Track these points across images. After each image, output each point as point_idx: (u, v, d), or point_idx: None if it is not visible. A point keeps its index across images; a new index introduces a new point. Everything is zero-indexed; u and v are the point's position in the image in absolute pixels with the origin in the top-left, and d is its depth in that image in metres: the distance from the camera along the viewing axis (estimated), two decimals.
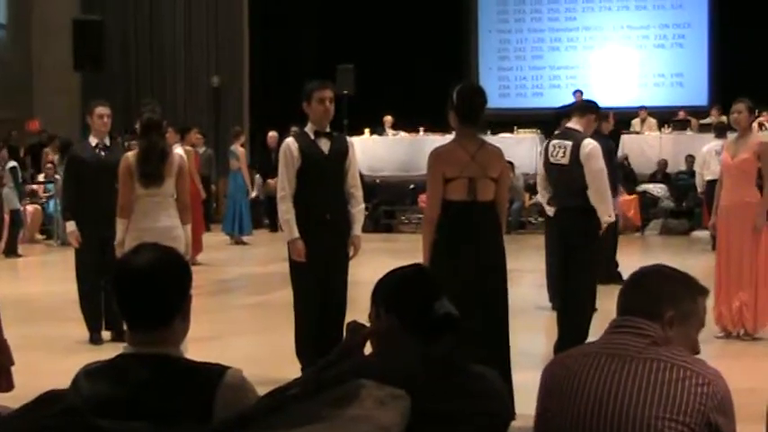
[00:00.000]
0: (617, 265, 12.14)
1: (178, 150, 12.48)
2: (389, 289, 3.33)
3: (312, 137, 8.05)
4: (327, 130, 8.11)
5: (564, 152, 8.66)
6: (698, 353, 3.34)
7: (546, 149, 9.02)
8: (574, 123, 8.87)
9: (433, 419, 3.02)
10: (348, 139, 8.55)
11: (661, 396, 3.11)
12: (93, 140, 10.31)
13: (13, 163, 19.55)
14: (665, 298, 3.28)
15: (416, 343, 3.20)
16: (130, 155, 8.94)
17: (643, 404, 3.12)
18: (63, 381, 3.19)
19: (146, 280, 3.10)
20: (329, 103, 8.03)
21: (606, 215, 8.49)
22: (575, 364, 3.29)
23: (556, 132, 9.58)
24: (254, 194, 21.05)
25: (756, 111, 10.69)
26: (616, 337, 3.29)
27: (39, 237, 20.84)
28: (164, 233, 8.37)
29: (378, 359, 3.23)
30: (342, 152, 8.12)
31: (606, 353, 3.26)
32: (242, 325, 11.64)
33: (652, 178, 22.59)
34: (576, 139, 8.65)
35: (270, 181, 19.75)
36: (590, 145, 8.59)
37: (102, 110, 10.31)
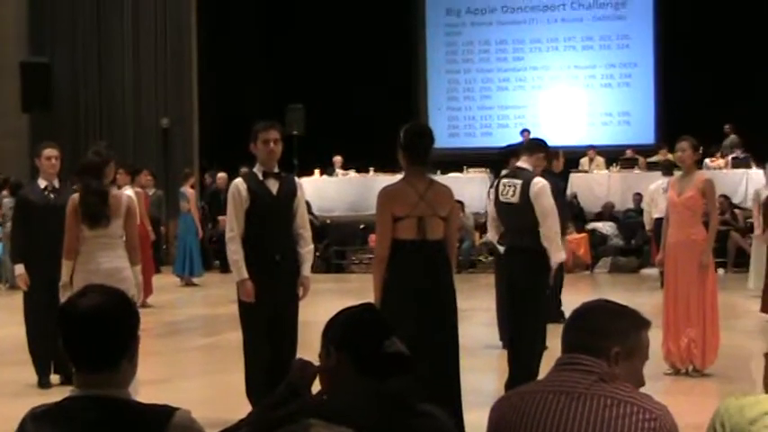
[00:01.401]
0: (560, 304, 12.10)
1: (128, 192, 12.43)
2: (339, 328, 3.34)
3: (261, 177, 8.05)
4: (276, 170, 8.11)
5: (514, 191, 8.69)
6: (643, 385, 3.37)
7: (496, 188, 9.06)
8: (523, 162, 8.91)
9: None
10: (296, 179, 8.55)
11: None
12: (42, 183, 10.25)
13: None
14: (609, 335, 3.30)
15: (367, 382, 3.20)
16: (77, 196, 8.89)
17: None
18: (10, 426, 3.16)
19: (91, 322, 3.08)
20: (274, 144, 8.04)
21: (557, 253, 8.52)
22: (522, 403, 3.30)
23: (504, 172, 9.63)
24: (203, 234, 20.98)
25: (701, 148, 10.79)
26: (563, 375, 3.30)
27: None
28: (111, 274, 8.33)
29: (328, 398, 3.23)
30: (290, 193, 8.12)
31: (554, 390, 3.27)
32: (192, 367, 11.58)
33: (599, 216, 22.73)
34: (526, 177, 8.69)
35: (221, 218, 19.68)
36: (539, 183, 8.63)
37: (50, 152, 10.25)
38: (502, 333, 11.33)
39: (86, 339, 3.09)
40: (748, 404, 3.29)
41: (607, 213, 22.73)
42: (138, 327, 3.20)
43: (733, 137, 24.33)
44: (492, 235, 9.62)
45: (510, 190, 8.73)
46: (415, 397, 3.27)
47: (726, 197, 20.53)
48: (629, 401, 3.17)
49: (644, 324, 3.39)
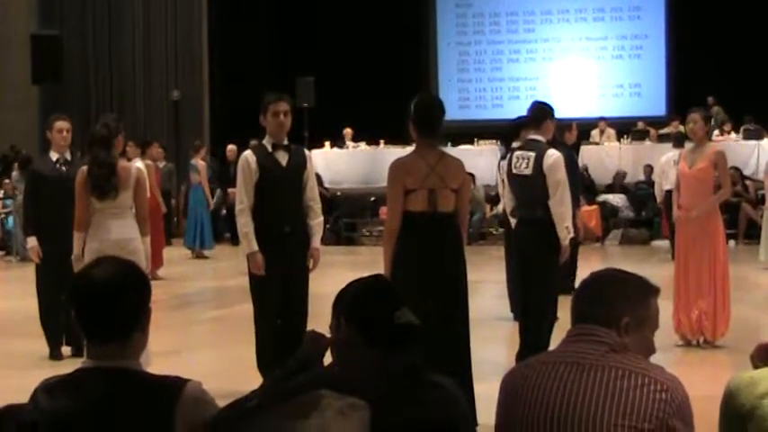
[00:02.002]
0: (574, 276, 12.07)
1: (138, 164, 12.44)
2: (350, 299, 3.34)
3: (270, 150, 8.05)
4: (285, 142, 8.11)
5: (527, 163, 8.66)
6: (654, 353, 3.37)
7: (509, 160, 9.03)
8: (534, 134, 8.88)
9: (394, 429, 3.03)
10: (306, 151, 8.53)
11: (620, 403, 3.13)
12: (53, 155, 10.26)
13: None
14: (619, 304, 3.30)
15: (377, 353, 3.20)
16: (85, 168, 8.90)
17: (602, 412, 3.13)
18: (23, 397, 3.17)
19: (104, 293, 3.09)
20: (284, 116, 8.02)
21: (564, 228, 8.49)
22: (533, 374, 3.30)
23: (515, 144, 9.62)
24: (213, 205, 21.02)
25: (712, 120, 10.76)
26: (574, 346, 3.30)
27: None
28: (121, 245, 8.35)
29: (338, 369, 3.24)
30: (300, 165, 8.11)
31: (565, 361, 3.27)
32: (203, 339, 11.61)
33: (609, 188, 22.70)
34: (540, 149, 8.66)
35: (231, 191, 19.68)
36: (553, 156, 8.59)
37: (61, 124, 10.26)
38: (513, 305, 11.34)
39: (99, 310, 3.10)
40: (759, 378, 3.29)
41: (618, 183, 22.69)
42: (149, 298, 3.20)
43: (716, 109, 24.10)
44: (507, 206, 9.60)
45: (523, 162, 8.70)
46: (426, 368, 3.28)
47: (737, 169, 20.47)
48: (641, 372, 3.17)
49: (653, 291, 3.38)
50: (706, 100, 23.02)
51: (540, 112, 9.03)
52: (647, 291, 3.36)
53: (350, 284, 3.42)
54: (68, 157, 10.30)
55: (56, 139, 10.25)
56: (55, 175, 10.08)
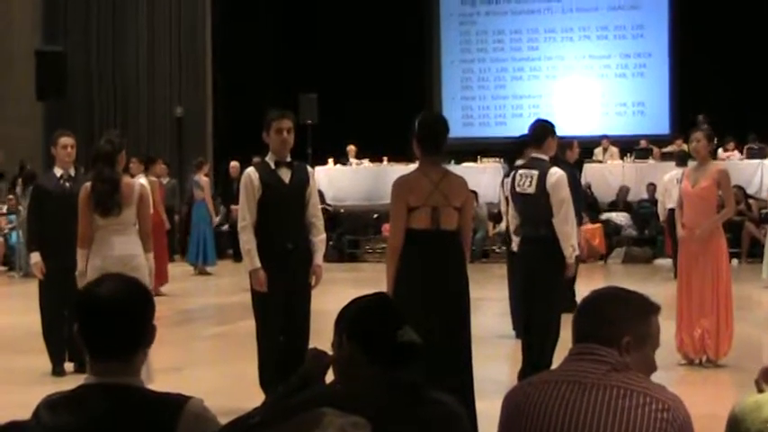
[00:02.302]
0: (573, 294, 12.08)
1: (141, 180, 12.46)
2: (352, 317, 3.34)
3: (273, 166, 8.05)
4: (288, 159, 8.11)
5: (530, 181, 8.68)
6: (655, 371, 3.36)
7: (512, 179, 9.05)
8: (537, 152, 8.89)
9: None
10: (309, 168, 8.55)
11: (621, 422, 3.12)
12: (57, 171, 10.28)
13: None
14: (620, 323, 3.29)
15: (379, 371, 3.20)
16: (89, 185, 8.92)
17: (603, 430, 3.13)
18: (25, 413, 3.17)
19: (109, 310, 3.09)
20: (287, 133, 8.04)
21: (569, 246, 8.51)
22: (535, 392, 3.30)
23: (518, 162, 9.63)
24: (217, 220, 21.04)
25: (715, 139, 10.76)
26: (575, 365, 3.30)
27: (1, 268, 20.70)
28: (125, 262, 8.37)
29: (340, 387, 3.24)
30: (303, 181, 8.12)
31: (567, 380, 3.27)
32: (205, 355, 11.61)
33: (613, 206, 22.69)
34: (543, 168, 8.67)
35: (233, 207, 19.67)
36: (556, 174, 8.61)
37: (66, 140, 10.29)
38: (515, 323, 11.34)
39: (103, 328, 3.10)
40: (764, 402, 3.29)
41: (622, 199, 22.68)
42: (153, 315, 3.21)
43: (705, 127, 24.06)
44: (512, 224, 9.61)
45: (527, 180, 8.72)
46: (427, 385, 3.28)
47: (740, 188, 20.47)
48: (642, 392, 3.17)
49: (653, 309, 3.38)
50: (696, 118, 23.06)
51: (541, 130, 9.03)
52: (647, 309, 3.36)
53: (352, 302, 3.42)
54: (72, 173, 10.32)
55: (60, 156, 10.27)
56: (59, 191, 10.10)
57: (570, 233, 8.57)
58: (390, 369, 3.20)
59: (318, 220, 8.19)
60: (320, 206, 8.54)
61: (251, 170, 8.15)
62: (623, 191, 22.82)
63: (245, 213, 8.01)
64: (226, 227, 21.80)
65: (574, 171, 12.16)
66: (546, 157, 8.86)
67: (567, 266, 8.55)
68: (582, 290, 12.34)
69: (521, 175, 8.85)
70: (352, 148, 25.53)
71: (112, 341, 3.10)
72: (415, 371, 3.27)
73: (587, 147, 23.48)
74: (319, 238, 8.17)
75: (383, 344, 3.23)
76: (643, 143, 24.91)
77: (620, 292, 3.43)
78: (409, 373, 3.24)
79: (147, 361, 3.25)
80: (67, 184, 10.14)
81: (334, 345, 3.36)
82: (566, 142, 12.64)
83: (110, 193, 8.74)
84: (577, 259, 10.02)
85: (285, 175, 8.05)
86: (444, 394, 3.30)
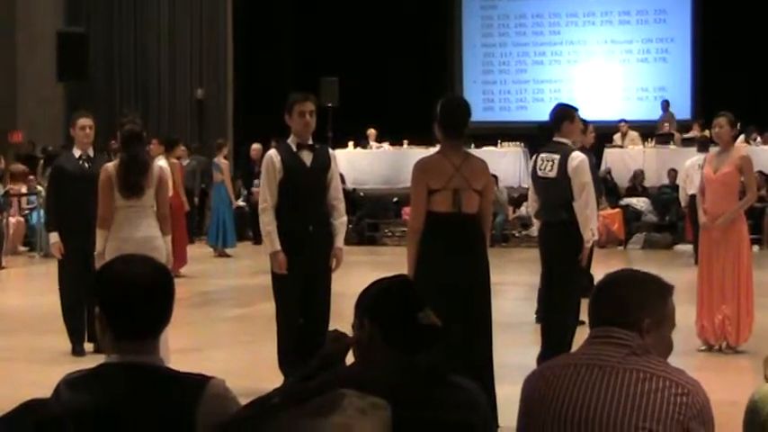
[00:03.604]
0: (591, 279, 12.06)
1: (161, 162, 12.49)
2: (373, 299, 3.34)
3: (294, 149, 8.05)
4: (310, 142, 8.11)
5: (552, 165, 8.68)
6: (672, 350, 3.36)
7: (534, 162, 9.05)
8: (558, 136, 8.88)
9: (415, 429, 3.03)
10: (330, 151, 8.54)
11: (641, 406, 3.12)
12: (76, 152, 10.30)
13: None
14: (639, 306, 3.29)
15: (399, 353, 3.20)
16: (110, 166, 8.93)
17: (623, 414, 3.12)
18: (45, 392, 3.18)
19: (140, 292, 3.09)
20: (310, 115, 8.03)
21: (589, 230, 8.51)
22: (554, 376, 3.30)
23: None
24: (239, 203, 21.08)
25: (738, 125, 10.71)
26: (595, 348, 3.30)
27: (21, 248, 20.77)
28: (143, 243, 8.37)
29: (360, 369, 3.23)
30: (324, 164, 8.12)
31: (586, 363, 3.26)
32: (224, 337, 11.63)
33: (632, 190, 22.61)
34: (564, 152, 8.67)
35: (254, 190, 19.69)
36: (578, 158, 8.62)
37: (84, 121, 10.30)
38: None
39: (133, 308, 3.10)
40: None
41: (638, 183, 22.60)
42: (174, 296, 3.22)
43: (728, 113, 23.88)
44: (532, 208, 9.60)
45: (548, 164, 8.72)
46: (447, 369, 3.27)
47: (763, 173, 20.40)
48: (662, 376, 3.16)
49: (669, 290, 3.38)
50: (730, 104, 22.95)
51: (555, 114, 9.03)
52: (664, 291, 3.36)
53: (373, 284, 3.42)
54: (91, 153, 10.33)
55: (78, 137, 10.28)
56: (78, 172, 10.11)
57: (590, 217, 8.58)
58: (410, 352, 3.20)
59: (340, 203, 8.19)
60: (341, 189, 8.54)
61: (273, 152, 8.15)
62: (639, 175, 22.72)
63: (266, 195, 8.01)
64: (246, 209, 21.81)
65: (590, 155, 12.11)
66: (568, 141, 8.86)
67: (584, 250, 8.55)
68: (601, 274, 12.34)
69: (542, 159, 8.85)
70: (372, 132, 25.51)
71: (139, 321, 3.11)
72: (435, 354, 3.26)
73: (608, 132, 23.43)
74: (340, 221, 8.17)
75: (403, 326, 3.23)
76: (665, 128, 24.79)
77: (635, 274, 3.43)
78: (429, 356, 3.23)
79: (165, 341, 3.25)
80: (87, 165, 10.15)
81: (354, 326, 3.36)
82: (582, 127, 12.59)
83: (139, 174, 8.75)
84: (593, 244, 10.01)
85: (307, 157, 8.05)
86: (465, 379, 3.30)
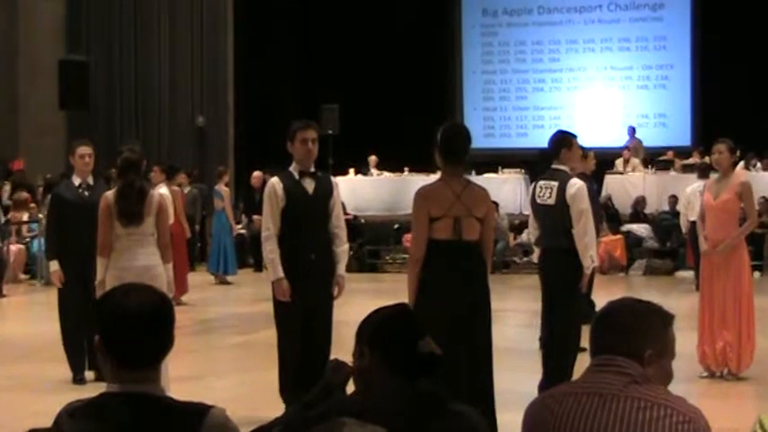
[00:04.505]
0: (593, 305, 12.07)
1: (162, 190, 12.50)
2: (373, 327, 3.34)
3: (297, 177, 8.07)
4: (312, 169, 8.13)
5: (550, 192, 8.70)
6: (672, 378, 3.36)
7: (533, 190, 9.06)
8: (557, 164, 8.90)
9: None
10: (332, 178, 8.57)
11: None
12: (76, 180, 10.32)
13: None
14: (641, 337, 3.29)
15: (399, 381, 3.20)
16: (110, 194, 8.95)
17: None
18: (46, 421, 3.18)
19: (141, 321, 3.09)
20: (312, 143, 8.06)
21: (588, 257, 8.52)
22: (556, 404, 3.29)
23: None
24: (240, 231, 21.09)
25: (738, 151, 10.73)
26: (597, 376, 3.30)
27: (22, 276, 20.77)
28: (144, 272, 8.38)
29: (360, 397, 3.23)
30: (326, 192, 8.14)
31: (587, 392, 3.26)
32: (226, 364, 11.61)
33: (634, 217, 22.62)
34: (563, 179, 8.69)
35: (255, 217, 19.70)
36: (576, 185, 8.63)
37: (83, 150, 10.32)
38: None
39: (133, 338, 3.09)
40: None
41: (640, 210, 22.62)
42: (174, 324, 3.22)
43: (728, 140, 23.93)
44: (532, 236, 9.62)
45: (547, 192, 8.74)
46: (448, 396, 3.27)
47: (766, 198, 20.45)
48: (663, 404, 3.16)
49: (670, 321, 3.38)
50: (729, 131, 23.01)
51: (553, 142, 9.06)
52: (665, 321, 3.37)
53: (373, 313, 3.42)
54: (91, 182, 10.35)
55: (78, 165, 10.31)
56: (77, 200, 10.13)
57: (589, 245, 8.59)
58: (411, 380, 3.20)
59: (342, 231, 8.21)
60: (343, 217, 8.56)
61: (275, 180, 8.16)
62: (640, 201, 22.75)
63: (268, 223, 8.02)
64: (247, 236, 21.83)
65: (591, 182, 12.13)
66: (567, 168, 8.87)
67: (584, 277, 8.56)
68: (602, 302, 12.33)
69: (541, 186, 8.87)
70: (373, 159, 25.55)
71: (139, 351, 3.11)
72: (437, 382, 3.26)
73: (609, 158, 23.45)
74: (342, 249, 8.18)
75: (404, 354, 3.23)
76: (669, 154, 24.81)
77: (636, 304, 3.43)
78: (430, 384, 3.23)
79: (165, 369, 3.25)
80: (86, 193, 10.17)
81: (355, 355, 3.36)
82: (581, 153, 12.61)
83: (136, 202, 8.77)
84: (594, 271, 10.01)
85: (309, 185, 8.07)
86: (467, 406, 3.30)
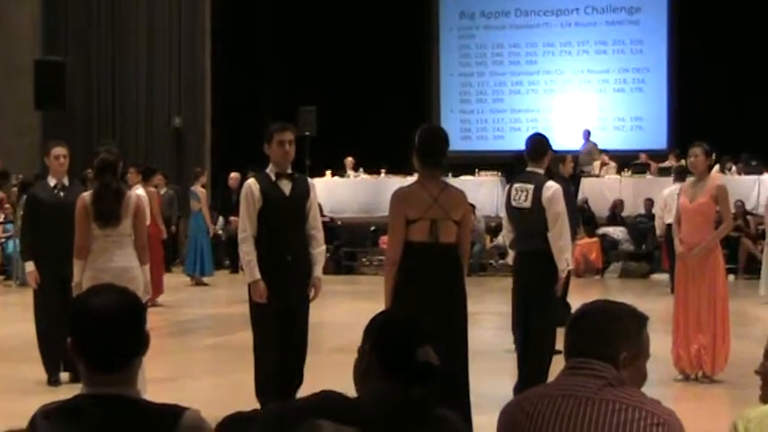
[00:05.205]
0: (569, 308, 12.09)
1: (139, 191, 12.46)
2: (377, 327, 3.33)
3: (273, 178, 8.07)
4: (289, 171, 8.13)
5: (526, 196, 8.70)
6: (646, 379, 3.38)
7: (508, 193, 9.06)
8: (533, 167, 8.91)
9: None
10: (309, 180, 8.57)
11: None
12: (51, 181, 10.27)
13: None
14: (615, 339, 3.30)
15: (393, 386, 3.19)
16: (86, 195, 8.92)
17: None
18: (20, 423, 3.17)
19: (106, 321, 3.08)
20: (289, 145, 8.06)
21: (563, 260, 8.54)
22: (531, 407, 3.30)
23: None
24: (216, 232, 21.03)
25: (713, 154, 10.78)
26: (572, 379, 3.31)
27: None
28: (120, 273, 8.35)
29: (339, 396, 3.21)
30: (303, 193, 8.13)
31: (562, 394, 3.27)
32: (202, 366, 11.59)
33: (610, 220, 22.70)
34: (538, 182, 8.70)
35: (232, 219, 19.66)
36: (552, 188, 8.64)
37: (58, 150, 10.27)
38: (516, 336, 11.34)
39: (99, 339, 3.08)
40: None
41: (618, 213, 22.69)
42: (145, 324, 3.20)
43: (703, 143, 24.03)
44: (507, 239, 9.62)
45: (522, 195, 8.74)
46: (433, 403, 3.26)
47: (742, 202, 20.56)
48: (638, 406, 3.17)
49: (644, 322, 3.40)
50: (705, 134, 23.10)
51: (541, 145, 9.06)
52: (640, 323, 3.38)
53: (382, 312, 3.43)
54: (66, 182, 10.30)
55: (53, 166, 10.26)
56: (53, 201, 10.08)
57: (564, 247, 8.60)
58: (403, 386, 3.19)
59: (318, 233, 8.21)
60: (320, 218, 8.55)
61: (251, 181, 8.16)
62: (618, 204, 22.82)
63: (245, 224, 8.02)
64: (223, 237, 21.79)
65: (568, 185, 12.16)
66: (541, 171, 8.89)
67: (559, 280, 8.58)
68: (578, 305, 12.34)
69: (516, 189, 8.87)
70: (349, 160, 25.57)
71: (106, 352, 3.09)
72: (428, 391, 3.25)
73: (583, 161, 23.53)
74: (319, 251, 8.18)
75: (400, 359, 3.22)
76: (643, 157, 24.92)
77: (610, 307, 3.44)
78: (422, 392, 3.22)
79: (141, 372, 3.24)
80: (62, 194, 10.12)
81: (359, 350, 3.35)
82: (559, 156, 12.66)
83: (113, 203, 8.74)
84: (569, 273, 10.02)
85: (286, 186, 8.07)
86: (448, 411, 3.29)
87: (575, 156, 14.41)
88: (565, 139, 23.88)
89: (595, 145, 25.91)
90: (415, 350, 3.24)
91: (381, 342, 3.28)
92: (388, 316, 3.41)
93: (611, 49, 28.89)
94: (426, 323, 3.45)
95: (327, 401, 3.12)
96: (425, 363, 3.24)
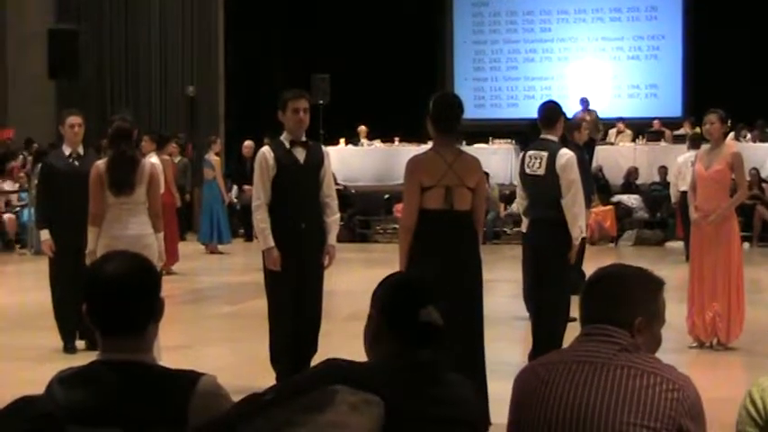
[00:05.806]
0: (583, 275, 12.09)
1: (153, 159, 12.47)
2: (382, 290, 3.33)
3: (288, 146, 8.06)
4: (303, 139, 8.12)
5: (540, 163, 8.70)
6: (660, 344, 3.37)
7: (522, 160, 9.06)
8: (546, 134, 8.90)
9: (407, 425, 3.03)
10: (323, 148, 8.55)
11: (632, 402, 3.12)
12: (66, 150, 10.29)
13: None
14: (631, 305, 3.30)
15: (400, 348, 3.19)
16: (101, 163, 8.94)
17: (614, 411, 3.13)
18: (36, 390, 3.17)
19: (118, 287, 3.09)
20: (303, 113, 8.04)
21: (577, 227, 8.53)
22: (546, 373, 3.30)
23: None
24: (231, 200, 21.04)
25: (729, 121, 10.73)
26: (587, 345, 3.30)
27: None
28: (135, 241, 8.37)
29: (353, 363, 3.22)
30: (317, 161, 8.13)
31: (577, 360, 3.27)
32: (216, 334, 11.62)
33: (624, 188, 22.66)
34: (552, 149, 8.69)
35: (246, 187, 19.67)
36: (566, 155, 8.63)
37: (73, 119, 10.28)
38: (528, 304, 11.34)
39: (113, 305, 3.10)
40: None
41: (632, 181, 22.64)
42: (159, 289, 3.21)
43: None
44: (520, 206, 9.62)
45: (536, 162, 8.73)
46: (444, 367, 3.26)
47: (757, 170, 20.50)
48: (653, 372, 3.17)
49: (661, 286, 3.39)
50: (721, 101, 23.00)
51: (554, 112, 9.04)
52: (656, 287, 3.38)
53: (389, 276, 3.42)
54: (81, 151, 10.32)
55: (68, 135, 10.28)
56: (68, 170, 10.10)
57: (578, 215, 8.59)
58: (411, 347, 3.19)
59: (333, 200, 8.20)
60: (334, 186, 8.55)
61: (266, 149, 8.15)
62: (633, 172, 22.77)
63: (259, 192, 8.01)
64: (237, 206, 21.80)
65: (583, 153, 12.12)
66: (555, 139, 8.87)
67: (573, 247, 8.57)
68: (592, 271, 12.34)
69: (530, 156, 8.87)
70: (363, 129, 25.54)
71: (120, 317, 3.10)
72: (435, 353, 3.25)
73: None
74: (333, 219, 8.18)
75: (404, 320, 3.22)
76: (656, 124, 24.83)
77: (627, 270, 3.43)
78: (429, 354, 3.22)
79: (157, 339, 3.24)
80: (76, 163, 10.15)
81: (369, 315, 3.36)
82: (574, 124, 12.64)
83: (128, 171, 8.75)
84: (584, 241, 10.01)
85: (300, 154, 8.06)
86: (458, 375, 3.30)
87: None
88: (579, 107, 23.78)
89: (593, 112, 25.61)
90: (418, 311, 3.23)
91: (386, 304, 3.28)
92: (393, 278, 3.40)
93: (626, 16, 28.75)
94: (434, 284, 3.44)
95: (334, 368, 3.12)
96: (427, 323, 3.24)
